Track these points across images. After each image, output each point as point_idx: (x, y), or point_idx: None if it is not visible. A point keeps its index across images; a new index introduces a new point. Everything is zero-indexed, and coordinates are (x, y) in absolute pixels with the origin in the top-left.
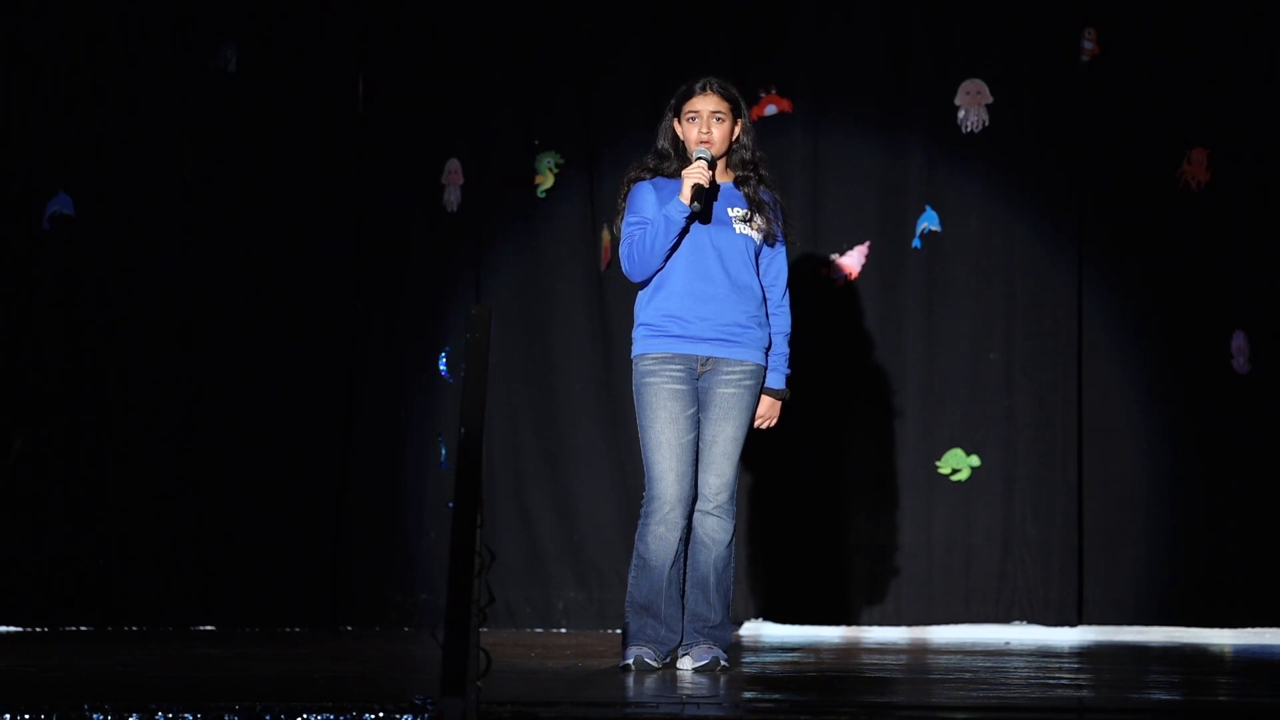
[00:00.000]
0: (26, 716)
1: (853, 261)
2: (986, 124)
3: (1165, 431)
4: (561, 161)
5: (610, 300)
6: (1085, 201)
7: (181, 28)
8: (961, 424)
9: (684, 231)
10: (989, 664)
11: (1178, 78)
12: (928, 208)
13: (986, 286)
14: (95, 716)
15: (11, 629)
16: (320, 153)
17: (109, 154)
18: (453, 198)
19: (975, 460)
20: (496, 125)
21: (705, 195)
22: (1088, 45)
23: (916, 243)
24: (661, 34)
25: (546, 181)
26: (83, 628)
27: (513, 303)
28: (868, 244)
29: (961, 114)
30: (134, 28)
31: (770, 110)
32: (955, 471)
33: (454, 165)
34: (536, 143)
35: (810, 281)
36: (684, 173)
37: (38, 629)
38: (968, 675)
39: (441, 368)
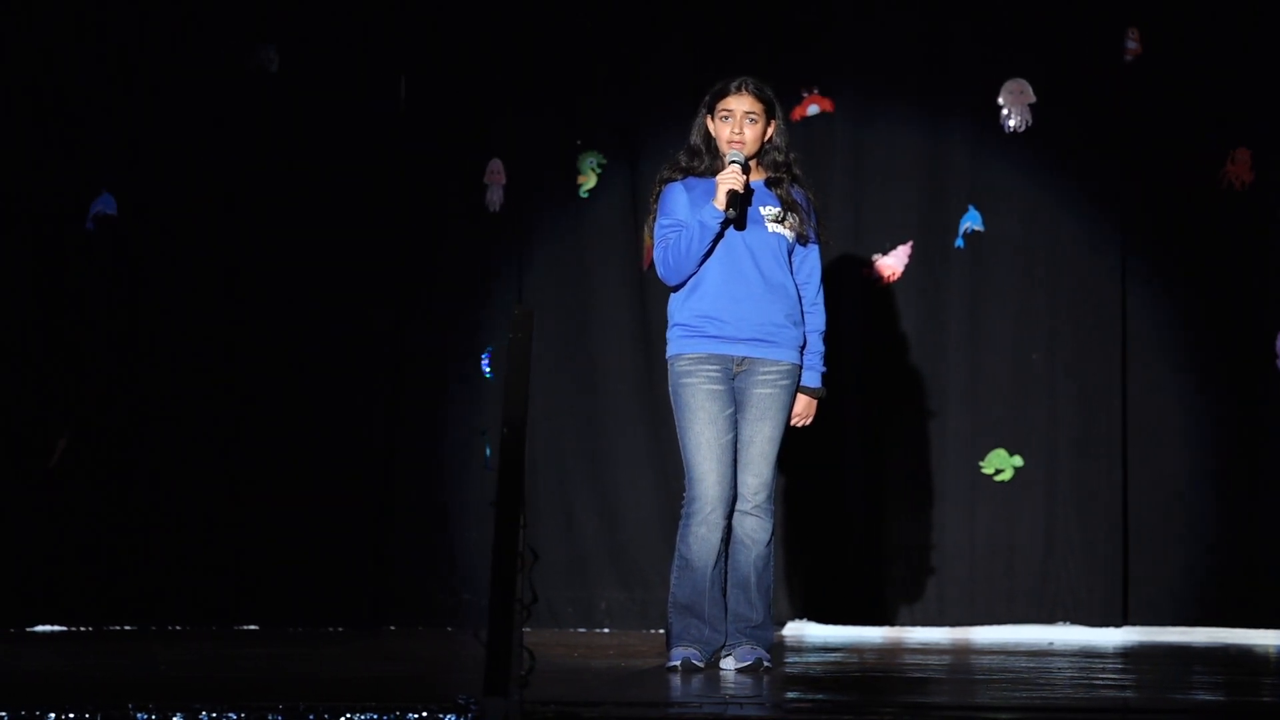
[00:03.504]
0: (71, 715)
1: (895, 261)
2: (1030, 123)
3: (1209, 432)
4: (603, 161)
5: (651, 300)
6: (1128, 201)
7: (223, 28)
8: (1004, 424)
9: (718, 236)
10: (1032, 664)
11: (1221, 77)
12: (970, 207)
13: (1029, 287)
14: (139, 716)
15: (56, 628)
16: (362, 153)
17: (151, 154)
18: (495, 197)
19: (1018, 461)
20: (539, 125)
21: (740, 200)
22: (1131, 44)
23: (959, 242)
24: (704, 34)
25: (588, 181)
26: (127, 627)
27: (554, 302)
28: (910, 244)
29: (1004, 113)
30: (176, 28)
31: (812, 110)
32: (998, 472)
33: (496, 165)
34: (578, 142)
35: (852, 281)
36: (718, 179)
37: (82, 628)
38: (1011, 676)
39: (484, 367)
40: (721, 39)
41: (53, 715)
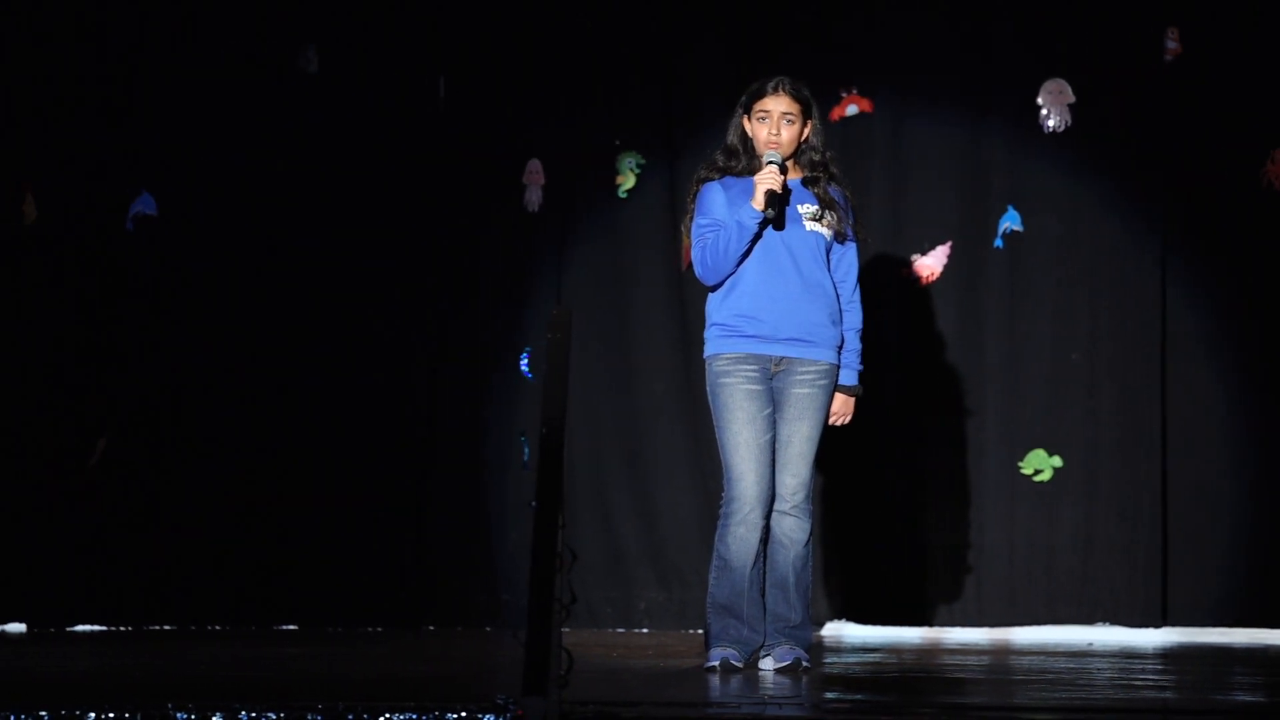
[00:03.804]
0: (111, 715)
1: (934, 261)
2: (1069, 123)
3: (1249, 432)
4: (642, 161)
5: (690, 300)
6: (1168, 201)
7: (263, 29)
8: (1044, 425)
9: (756, 235)
10: (1071, 665)
11: (1261, 76)
12: (1010, 207)
13: (1069, 287)
14: (179, 715)
15: (96, 628)
16: (401, 153)
17: (191, 155)
18: (534, 198)
19: (1058, 461)
20: (578, 125)
21: (778, 200)
22: (1170, 44)
23: (998, 242)
24: (743, 34)
25: (627, 181)
26: (166, 627)
27: (593, 303)
28: (949, 244)
29: (1044, 113)
30: (216, 29)
31: (851, 110)
32: (1038, 472)
33: (535, 165)
34: (618, 143)
35: (891, 281)
36: (756, 179)
37: (122, 628)
38: (1050, 676)
39: (523, 367)
40: (760, 39)
41: (93, 715)
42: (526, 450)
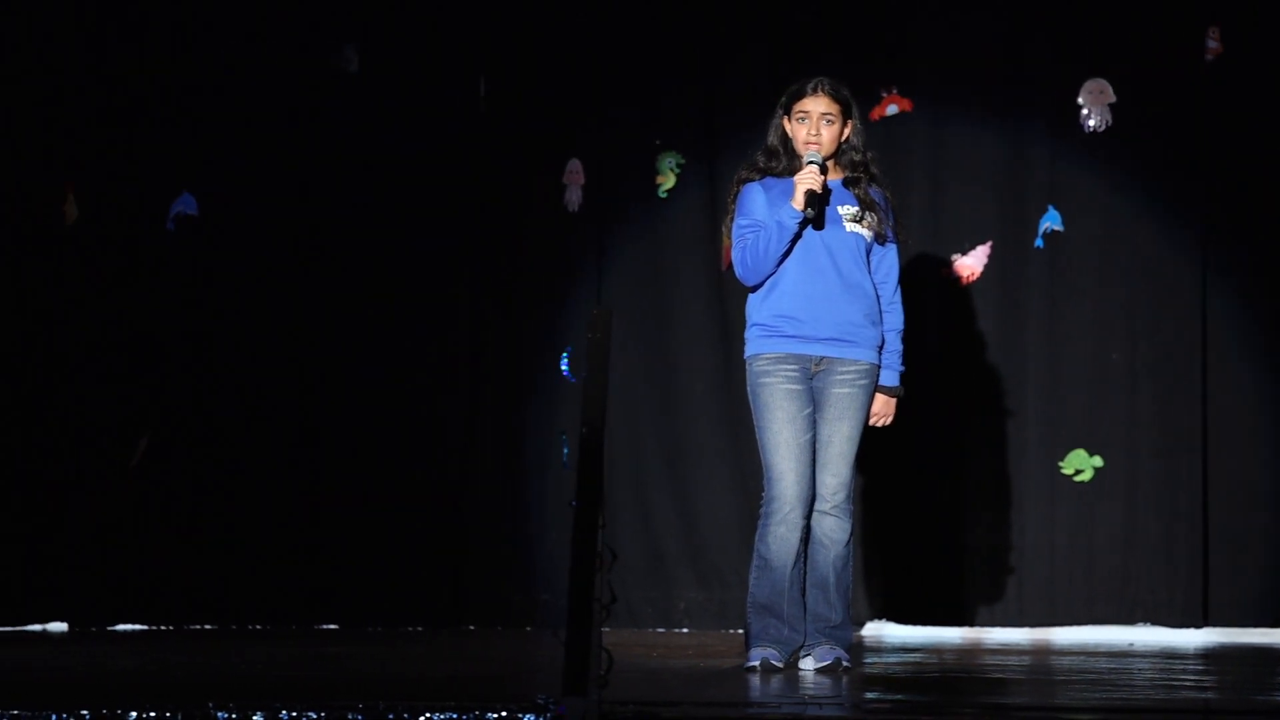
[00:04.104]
0: (152, 714)
1: (974, 261)
2: (1110, 123)
3: None
4: (682, 161)
5: (730, 300)
6: (1209, 201)
7: (303, 28)
8: (1084, 425)
9: (796, 236)
10: (1112, 665)
11: None
12: (1050, 207)
13: (1109, 286)
14: (220, 715)
15: (138, 627)
16: (441, 152)
17: (231, 154)
18: (574, 197)
19: (1098, 461)
20: (618, 125)
21: (818, 201)
22: (1212, 44)
23: (1039, 242)
24: (783, 34)
25: (667, 181)
26: (207, 626)
27: (633, 302)
28: (989, 244)
29: (1084, 113)
30: (255, 28)
31: (891, 110)
32: (1078, 472)
33: (575, 165)
34: (658, 143)
35: (932, 281)
36: (796, 179)
37: (163, 627)
38: (1090, 677)
39: (563, 367)
40: (800, 40)
41: (134, 714)
42: (566, 450)
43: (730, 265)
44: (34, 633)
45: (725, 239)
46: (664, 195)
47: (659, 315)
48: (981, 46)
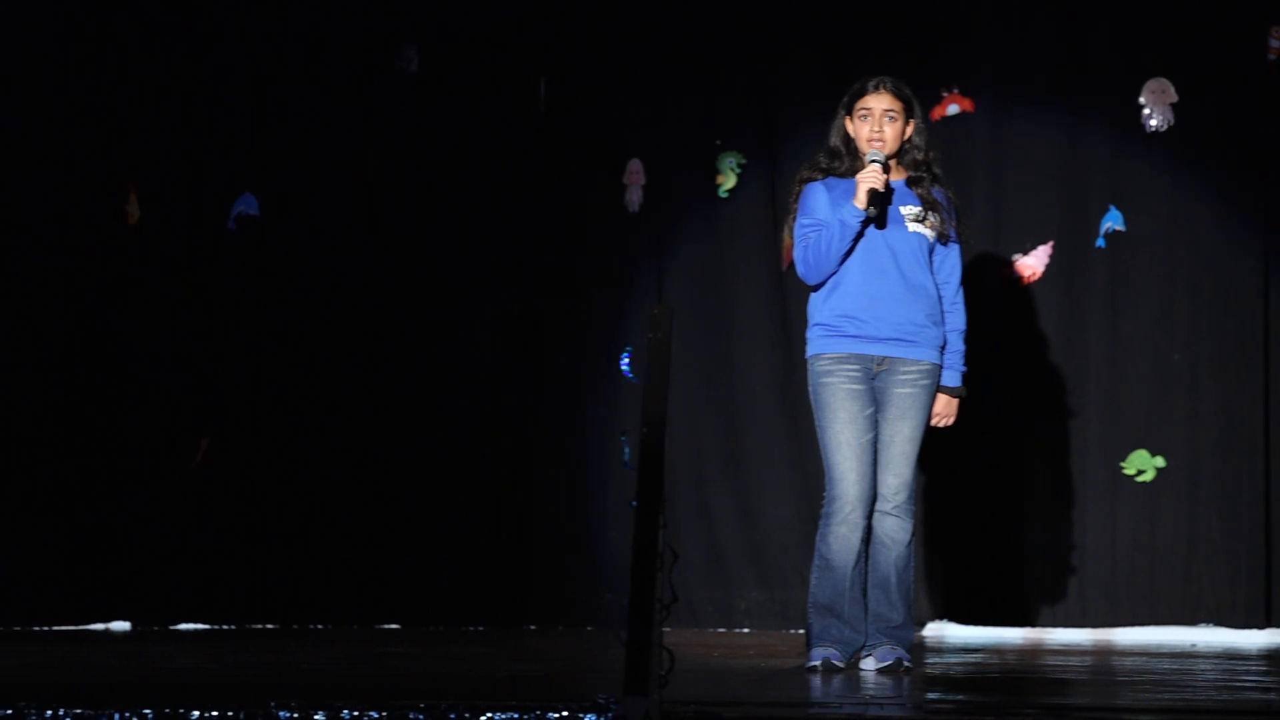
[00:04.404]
0: (214, 713)
1: (1036, 261)
2: (1171, 123)
3: None
4: (743, 161)
5: (791, 299)
6: (1272, 201)
7: (364, 28)
8: (1146, 425)
9: (859, 235)
10: (1174, 666)
11: None
12: (1112, 207)
13: (1171, 286)
14: (281, 714)
15: (200, 626)
16: (501, 153)
17: (293, 154)
18: (634, 197)
19: (1160, 461)
20: (678, 126)
21: (880, 199)
22: (1274, 43)
23: (1100, 242)
24: (843, 34)
25: (728, 181)
26: (269, 626)
27: (694, 302)
28: (1051, 244)
29: (1146, 113)
30: (317, 29)
31: (952, 109)
32: (1140, 473)
33: (635, 165)
34: (718, 142)
35: (993, 281)
36: (858, 177)
37: (225, 627)
38: (1153, 677)
39: (624, 367)
40: (860, 39)
41: (196, 713)
42: (627, 450)
43: (791, 264)
44: (97, 632)
45: (786, 239)
46: (724, 195)
47: (719, 315)
48: (1043, 46)
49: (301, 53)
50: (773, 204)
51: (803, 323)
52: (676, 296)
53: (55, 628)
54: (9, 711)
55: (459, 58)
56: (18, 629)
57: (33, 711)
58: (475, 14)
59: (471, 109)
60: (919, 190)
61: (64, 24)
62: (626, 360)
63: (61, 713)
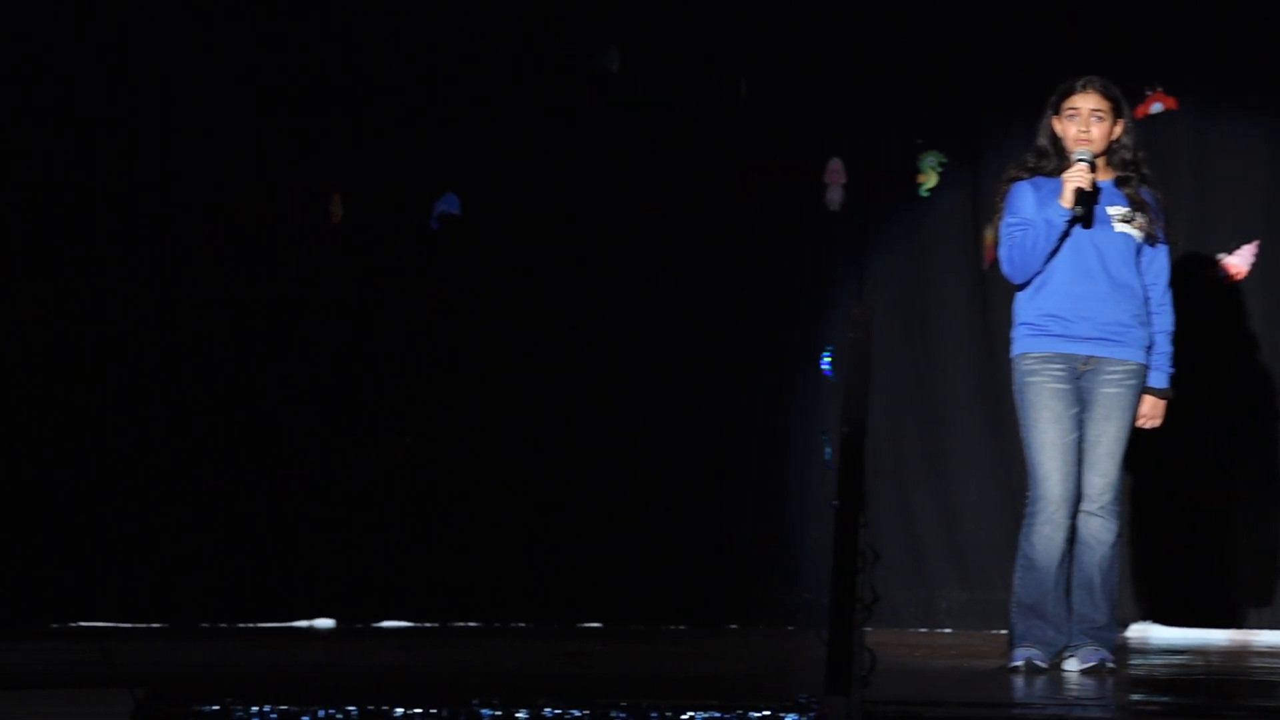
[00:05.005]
0: (417, 710)
1: (1241, 260)
2: None
3: None
4: (944, 160)
5: (993, 299)
6: None
7: (565, 29)
8: None
9: (1065, 234)
10: None
11: None
12: None
13: None
14: (484, 712)
15: (402, 624)
16: (702, 152)
17: (494, 154)
18: (835, 196)
19: None
20: (879, 125)
21: (1087, 199)
22: None
23: None
24: (1046, 33)
25: (929, 180)
26: (471, 624)
27: (895, 301)
28: (1256, 243)
29: None
30: (518, 30)
31: (1156, 108)
32: None
33: (836, 164)
34: (919, 141)
35: (1196, 281)
36: (1064, 176)
37: (428, 625)
38: None
39: (824, 366)
40: (1063, 38)
41: (400, 710)
42: (828, 449)
43: (993, 262)
44: (301, 629)
45: (989, 237)
46: (926, 194)
47: (920, 314)
48: (1248, 44)
49: (504, 53)
50: (974, 203)
51: (1005, 322)
52: (878, 295)
53: (260, 625)
54: (215, 707)
55: (660, 58)
56: (224, 626)
57: (238, 707)
58: (676, 14)
59: (672, 109)
60: (1127, 190)
61: (272, 27)
62: (827, 360)
63: (266, 709)
